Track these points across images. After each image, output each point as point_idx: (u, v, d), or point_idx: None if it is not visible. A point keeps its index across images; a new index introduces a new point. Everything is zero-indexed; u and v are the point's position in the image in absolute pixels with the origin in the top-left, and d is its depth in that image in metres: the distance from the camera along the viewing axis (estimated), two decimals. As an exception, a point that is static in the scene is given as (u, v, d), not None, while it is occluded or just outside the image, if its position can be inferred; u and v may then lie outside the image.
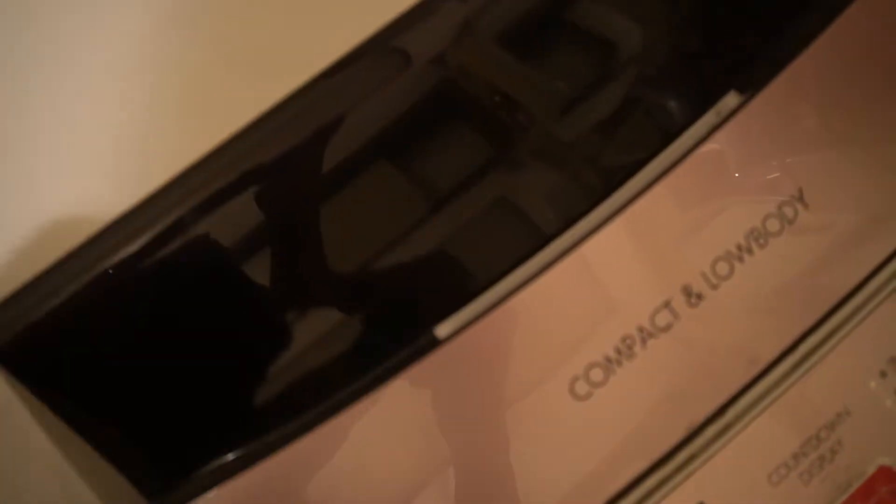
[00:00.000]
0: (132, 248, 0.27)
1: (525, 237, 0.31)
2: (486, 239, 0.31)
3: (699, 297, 0.30)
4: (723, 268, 0.30)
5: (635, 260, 0.30)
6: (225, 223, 0.28)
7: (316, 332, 0.30)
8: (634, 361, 0.30)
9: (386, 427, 0.28)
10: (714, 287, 0.30)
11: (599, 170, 0.32)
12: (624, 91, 0.32)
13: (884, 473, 0.31)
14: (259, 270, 0.29)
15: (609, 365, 0.29)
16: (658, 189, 0.30)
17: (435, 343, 0.28)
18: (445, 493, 0.29)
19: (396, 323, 0.30)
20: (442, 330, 0.28)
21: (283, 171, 0.29)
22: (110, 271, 0.27)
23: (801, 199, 0.31)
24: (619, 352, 0.29)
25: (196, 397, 0.30)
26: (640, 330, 0.30)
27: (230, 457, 0.27)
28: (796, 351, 0.31)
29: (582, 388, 0.29)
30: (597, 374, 0.29)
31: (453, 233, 0.31)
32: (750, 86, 0.31)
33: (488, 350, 0.30)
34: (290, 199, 0.30)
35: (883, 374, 0.31)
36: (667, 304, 0.30)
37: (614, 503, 0.30)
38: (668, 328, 0.30)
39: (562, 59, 0.32)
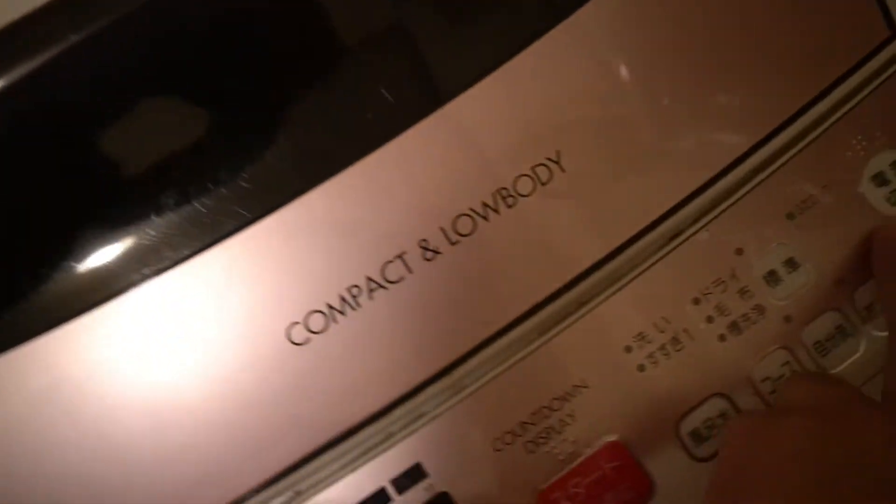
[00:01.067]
0: None
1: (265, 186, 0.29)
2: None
3: (435, 251, 0.29)
4: (465, 224, 0.29)
5: (370, 209, 0.28)
6: None
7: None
8: (359, 312, 0.28)
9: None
10: (453, 243, 0.29)
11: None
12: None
13: (611, 450, 0.30)
14: None
15: (331, 313, 0.28)
16: (400, 141, 0.29)
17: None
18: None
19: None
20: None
21: None
22: None
23: (558, 161, 0.29)
24: (343, 301, 0.28)
25: None
26: (369, 280, 0.28)
27: None
28: (536, 317, 0.30)
29: (300, 333, 0.28)
30: (317, 322, 0.28)
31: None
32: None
33: (218, 282, 0.28)
34: None
35: (628, 350, 0.30)
36: (400, 257, 0.28)
37: (326, 452, 0.29)
38: (399, 281, 0.29)
39: None
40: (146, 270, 0.30)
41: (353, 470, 0.31)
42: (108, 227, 0.30)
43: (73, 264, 0.29)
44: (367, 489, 0.31)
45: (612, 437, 0.32)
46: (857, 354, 0.33)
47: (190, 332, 0.30)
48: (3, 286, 0.29)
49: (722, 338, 0.33)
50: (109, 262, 0.30)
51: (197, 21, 0.30)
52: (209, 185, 0.30)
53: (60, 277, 0.29)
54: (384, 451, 0.31)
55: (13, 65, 0.28)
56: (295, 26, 0.30)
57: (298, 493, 0.31)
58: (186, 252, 0.30)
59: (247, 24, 0.30)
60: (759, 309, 0.33)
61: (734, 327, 0.33)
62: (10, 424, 0.29)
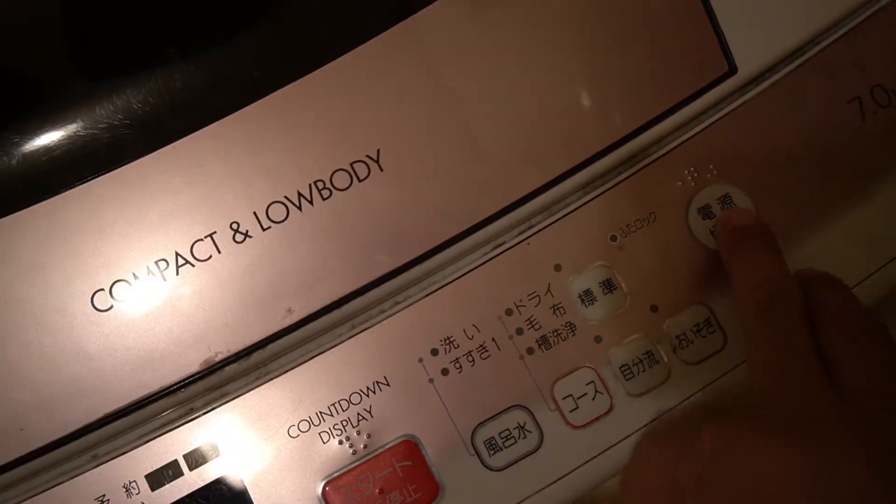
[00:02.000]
0: None
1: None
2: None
3: (246, 234, 0.30)
4: (278, 211, 0.30)
5: (187, 188, 0.30)
6: None
7: None
8: (163, 285, 0.30)
9: None
10: (265, 228, 0.30)
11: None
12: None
13: (405, 448, 0.31)
14: None
15: (135, 283, 0.29)
16: (224, 122, 0.30)
17: None
18: None
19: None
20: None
21: None
22: None
23: (377, 160, 0.30)
24: (149, 272, 0.30)
25: None
26: (177, 256, 0.30)
27: None
28: (342, 309, 0.31)
29: (103, 300, 0.29)
30: (121, 291, 0.29)
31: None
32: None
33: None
34: None
35: (434, 352, 0.31)
36: (210, 236, 0.30)
37: (116, 419, 0.30)
38: (207, 259, 0.30)
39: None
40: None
41: (149, 440, 0.32)
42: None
43: None
44: (161, 460, 0.32)
45: (406, 437, 0.33)
46: (663, 383, 0.33)
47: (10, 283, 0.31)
48: None
49: (530, 350, 0.33)
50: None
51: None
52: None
53: None
54: (183, 424, 0.32)
55: None
56: None
57: (95, 458, 0.32)
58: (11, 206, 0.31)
59: None
60: (571, 326, 0.33)
61: (544, 341, 0.33)
62: None
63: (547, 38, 0.34)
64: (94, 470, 0.32)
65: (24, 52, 0.33)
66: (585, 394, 0.33)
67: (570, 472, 0.33)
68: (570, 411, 0.33)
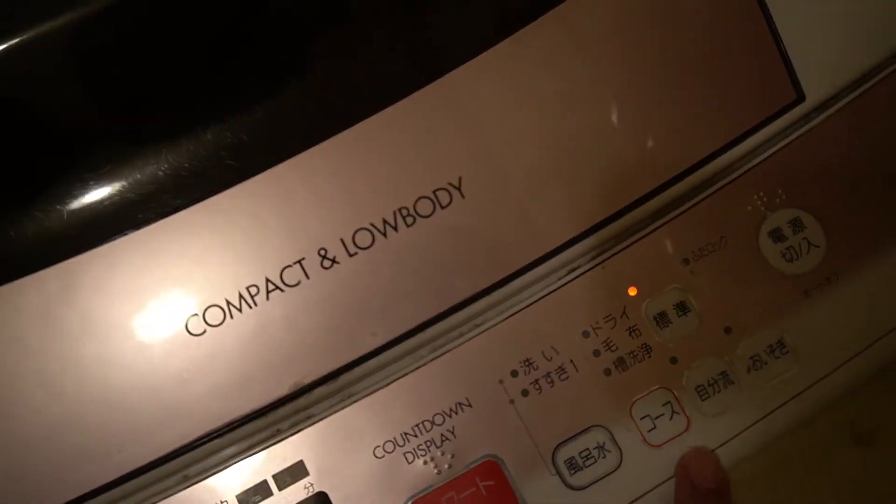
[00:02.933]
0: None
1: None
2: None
3: (333, 261, 0.31)
4: (364, 238, 0.31)
5: (275, 215, 0.31)
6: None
7: None
8: (255, 310, 0.31)
9: None
10: (351, 255, 0.31)
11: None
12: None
13: (488, 468, 0.32)
14: None
15: (228, 308, 0.31)
16: (311, 153, 0.31)
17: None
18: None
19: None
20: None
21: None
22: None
23: (458, 187, 0.31)
24: (240, 297, 0.31)
25: None
26: (268, 282, 0.31)
27: None
28: (425, 332, 0.32)
29: (197, 325, 0.31)
30: (214, 315, 0.31)
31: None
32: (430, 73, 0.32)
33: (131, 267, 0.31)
34: None
35: (514, 374, 0.32)
36: (299, 262, 0.31)
37: (209, 441, 0.31)
38: (296, 285, 0.31)
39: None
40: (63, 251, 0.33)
41: (238, 461, 0.33)
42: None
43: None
44: (251, 481, 0.33)
45: (489, 457, 0.34)
46: (738, 402, 0.34)
47: (97, 311, 0.32)
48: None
49: (607, 372, 0.34)
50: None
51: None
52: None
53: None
54: (270, 446, 0.34)
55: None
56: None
57: (186, 478, 0.33)
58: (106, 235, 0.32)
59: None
60: (646, 348, 0.35)
61: (620, 363, 0.34)
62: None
63: (622, 65, 0.35)
64: (186, 490, 0.33)
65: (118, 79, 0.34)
66: (662, 414, 0.34)
67: (649, 491, 0.34)
68: (649, 431, 0.34)
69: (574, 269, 0.35)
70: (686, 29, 0.35)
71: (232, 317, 0.33)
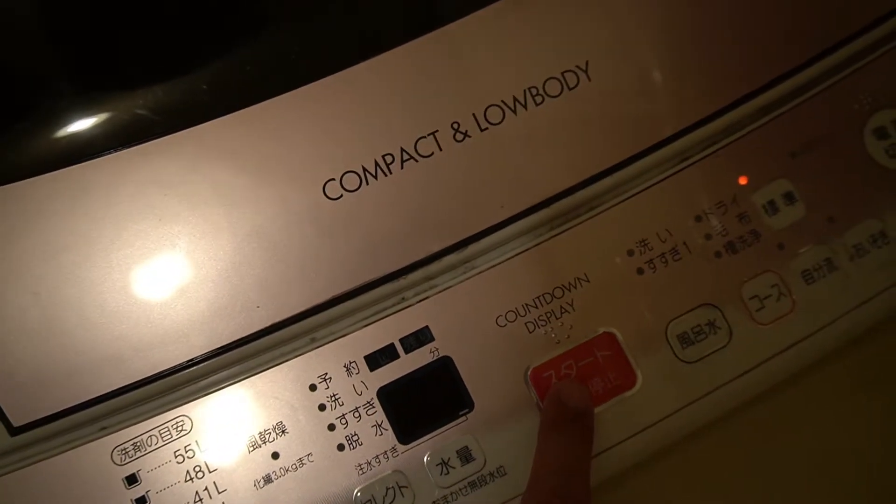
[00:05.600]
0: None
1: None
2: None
3: (465, 134, 0.33)
4: (495, 114, 0.33)
5: (414, 88, 0.33)
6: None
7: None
8: (389, 178, 0.33)
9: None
10: (482, 129, 0.33)
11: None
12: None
13: (604, 339, 0.34)
14: None
15: (365, 175, 0.32)
16: (447, 29, 0.33)
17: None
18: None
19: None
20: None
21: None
22: None
23: (585, 70, 0.33)
24: (377, 165, 0.32)
25: None
26: (402, 151, 0.32)
27: None
28: (549, 208, 0.34)
29: (334, 189, 0.32)
30: (351, 181, 0.32)
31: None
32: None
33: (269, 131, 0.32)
34: None
35: (630, 253, 0.34)
36: (433, 134, 0.33)
37: (339, 304, 0.33)
38: (429, 156, 0.33)
39: None
40: (191, 118, 0.34)
41: (366, 325, 0.35)
42: (167, 69, 0.34)
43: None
44: (378, 344, 0.35)
45: (606, 329, 0.36)
46: (840, 287, 0.37)
47: (239, 172, 0.34)
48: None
49: (718, 254, 0.37)
50: (170, 103, 0.34)
51: None
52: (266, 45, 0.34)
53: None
54: (397, 311, 0.35)
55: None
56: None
57: (314, 340, 0.35)
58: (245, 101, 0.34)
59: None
60: (755, 234, 0.37)
61: (730, 247, 0.37)
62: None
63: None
64: (314, 351, 0.35)
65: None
66: (770, 295, 0.36)
67: (756, 366, 0.36)
68: (757, 310, 0.36)
69: (688, 158, 0.37)
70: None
71: (367, 183, 0.35)
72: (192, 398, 0.34)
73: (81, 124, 0.34)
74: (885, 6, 0.38)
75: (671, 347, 0.36)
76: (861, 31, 0.38)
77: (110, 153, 0.34)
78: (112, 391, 0.33)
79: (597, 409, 0.35)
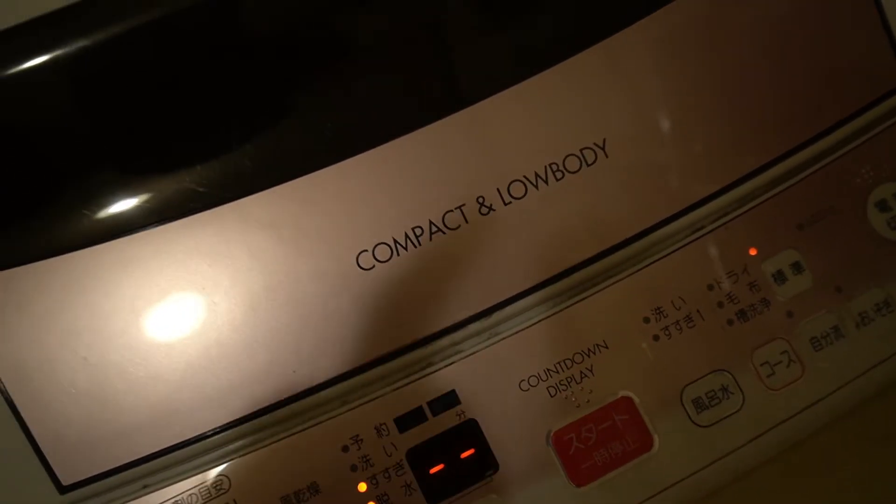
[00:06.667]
0: None
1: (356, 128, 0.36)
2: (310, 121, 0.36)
3: (490, 208, 0.35)
4: (518, 189, 0.35)
5: (440, 165, 0.35)
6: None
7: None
8: (419, 249, 0.35)
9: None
10: (506, 203, 0.35)
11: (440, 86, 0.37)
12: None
13: (622, 403, 0.36)
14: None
15: (395, 247, 0.35)
16: (471, 111, 0.36)
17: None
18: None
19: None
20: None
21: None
22: None
23: (603, 147, 0.36)
24: (407, 238, 0.35)
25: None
26: (431, 224, 0.35)
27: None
28: (569, 278, 0.36)
29: (367, 260, 0.34)
30: (383, 252, 0.35)
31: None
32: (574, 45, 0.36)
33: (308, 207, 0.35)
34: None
35: (646, 321, 0.36)
36: (459, 208, 0.35)
37: (370, 370, 0.35)
38: (456, 228, 0.35)
39: None
40: (234, 192, 0.36)
41: (395, 389, 0.37)
42: (212, 146, 0.37)
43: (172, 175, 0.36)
44: (407, 407, 0.37)
45: (624, 393, 0.38)
46: (847, 354, 0.39)
47: (278, 243, 0.36)
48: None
49: (730, 322, 0.39)
50: (214, 179, 0.37)
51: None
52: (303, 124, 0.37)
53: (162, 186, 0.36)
54: (425, 376, 0.37)
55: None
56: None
57: (346, 403, 0.37)
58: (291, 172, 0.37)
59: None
60: (765, 302, 0.39)
61: (741, 314, 0.39)
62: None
63: (743, 56, 0.40)
64: (346, 414, 0.37)
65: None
66: (780, 361, 0.39)
67: (769, 430, 0.38)
68: (768, 376, 0.38)
69: (700, 229, 0.39)
70: (799, 27, 0.40)
71: (398, 254, 0.37)
72: (230, 458, 0.36)
73: (128, 200, 0.36)
74: (882, 88, 0.40)
75: (686, 412, 0.38)
76: (861, 109, 0.40)
77: (156, 226, 0.36)
78: (155, 452, 0.35)
79: (615, 472, 0.37)
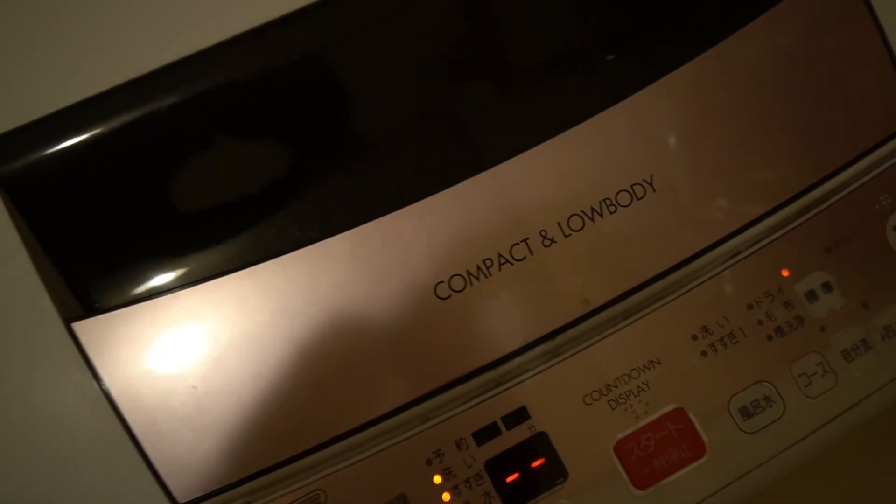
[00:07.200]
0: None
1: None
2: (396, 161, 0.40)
3: (552, 241, 0.39)
4: (576, 222, 0.40)
5: (507, 202, 0.39)
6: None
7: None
8: (489, 279, 0.39)
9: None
10: (566, 235, 0.39)
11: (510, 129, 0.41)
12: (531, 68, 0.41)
13: (676, 414, 0.40)
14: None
15: (469, 278, 0.39)
16: (532, 153, 0.40)
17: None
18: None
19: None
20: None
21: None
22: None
23: (651, 183, 0.40)
24: (479, 269, 0.39)
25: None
26: (500, 256, 0.39)
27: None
28: (626, 301, 0.40)
29: (444, 290, 0.38)
30: (457, 283, 0.39)
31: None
32: (630, 87, 0.41)
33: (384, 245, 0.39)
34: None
35: (694, 338, 0.40)
36: (525, 241, 0.39)
37: (450, 389, 0.38)
38: (522, 259, 0.39)
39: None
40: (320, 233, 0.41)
41: (472, 406, 0.41)
42: (303, 195, 0.41)
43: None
44: (483, 422, 0.41)
45: (677, 405, 0.42)
46: (875, 364, 0.43)
47: (362, 276, 0.40)
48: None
49: (769, 337, 0.43)
50: (306, 221, 0.41)
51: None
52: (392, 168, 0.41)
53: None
54: (498, 394, 0.41)
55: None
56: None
57: (428, 420, 0.41)
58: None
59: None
60: (800, 319, 0.43)
61: (779, 331, 0.43)
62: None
63: (776, 98, 0.44)
64: (429, 430, 0.41)
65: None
66: (816, 372, 0.43)
67: (809, 434, 0.42)
68: (805, 386, 0.43)
69: (738, 254, 0.44)
70: (821, 68, 0.45)
71: (471, 284, 0.41)
72: (325, 473, 0.40)
73: (229, 244, 0.40)
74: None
75: (734, 420, 0.42)
76: (879, 143, 0.45)
77: (252, 266, 0.40)
78: (259, 471, 0.39)
79: (673, 477, 0.41)
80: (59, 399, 0.38)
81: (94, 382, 0.38)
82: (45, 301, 0.38)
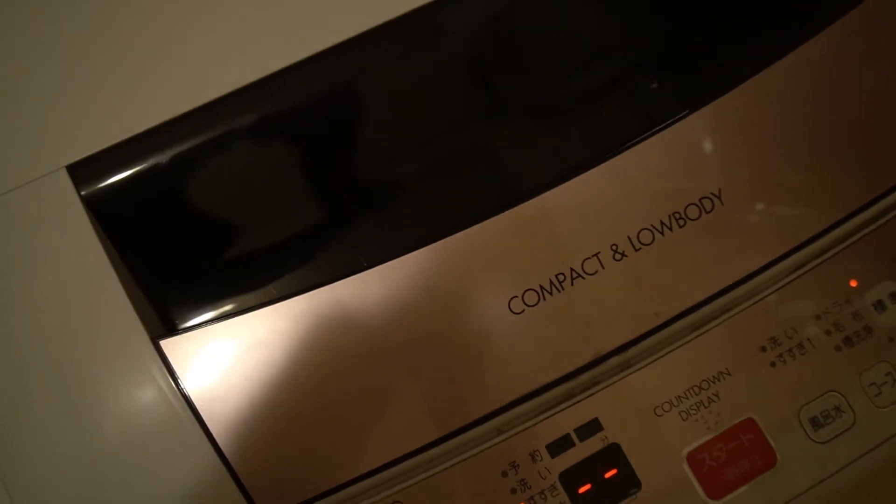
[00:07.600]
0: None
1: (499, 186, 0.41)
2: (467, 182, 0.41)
3: (623, 254, 0.40)
4: (646, 236, 0.40)
5: (579, 219, 0.40)
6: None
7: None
8: (562, 293, 0.40)
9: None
10: (636, 249, 0.40)
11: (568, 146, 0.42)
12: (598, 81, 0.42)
13: (747, 425, 0.40)
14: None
15: (542, 292, 0.39)
16: (605, 167, 0.40)
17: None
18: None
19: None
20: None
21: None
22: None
23: (719, 196, 0.41)
24: (552, 283, 0.40)
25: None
26: (572, 271, 0.40)
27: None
28: (695, 314, 0.41)
29: (518, 305, 0.39)
30: (531, 297, 0.39)
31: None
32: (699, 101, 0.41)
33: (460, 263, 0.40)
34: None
35: (763, 349, 0.41)
36: (596, 255, 0.40)
37: (523, 403, 0.39)
38: (594, 273, 0.40)
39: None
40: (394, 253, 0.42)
41: (545, 418, 0.42)
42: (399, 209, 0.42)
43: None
44: (556, 434, 0.42)
45: (748, 415, 0.42)
46: (945, 372, 0.44)
47: (435, 292, 0.41)
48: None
49: (837, 348, 0.43)
50: (380, 239, 0.42)
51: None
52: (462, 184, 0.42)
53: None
54: (570, 406, 0.42)
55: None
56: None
57: (502, 432, 0.42)
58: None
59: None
60: (868, 329, 0.44)
61: (847, 341, 0.43)
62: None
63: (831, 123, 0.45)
64: (504, 443, 0.42)
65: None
66: (886, 382, 0.43)
67: (880, 444, 0.42)
68: (875, 396, 0.43)
69: (805, 265, 0.44)
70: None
71: (544, 299, 0.42)
72: (404, 485, 0.41)
73: (311, 264, 0.41)
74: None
75: (804, 430, 0.43)
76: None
77: (322, 287, 0.41)
78: (341, 484, 0.40)
79: (743, 487, 0.42)
80: (152, 414, 0.39)
81: (182, 399, 0.39)
82: (132, 320, 0.40)
